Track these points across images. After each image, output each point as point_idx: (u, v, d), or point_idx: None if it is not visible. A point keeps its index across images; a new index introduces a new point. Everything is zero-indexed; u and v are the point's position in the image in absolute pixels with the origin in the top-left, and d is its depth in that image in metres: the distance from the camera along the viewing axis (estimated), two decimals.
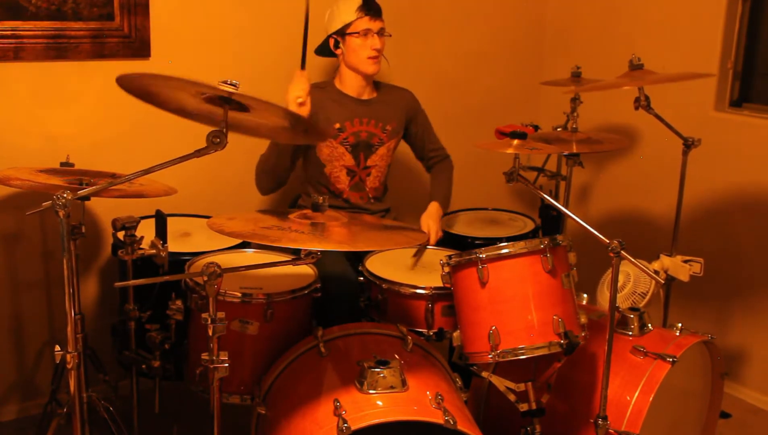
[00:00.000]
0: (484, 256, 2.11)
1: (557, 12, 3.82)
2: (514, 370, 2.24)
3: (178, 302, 2.26)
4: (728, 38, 3.19)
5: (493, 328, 2.09)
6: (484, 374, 2.20)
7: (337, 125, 2.83)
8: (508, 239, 2.69)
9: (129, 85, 1.86)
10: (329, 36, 2.81)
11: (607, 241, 1.98)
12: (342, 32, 2.77)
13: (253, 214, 2.29)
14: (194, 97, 1.82)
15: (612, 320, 2.02)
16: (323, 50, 2.88)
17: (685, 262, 2.81)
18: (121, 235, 2.33)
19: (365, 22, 2.74)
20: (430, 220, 2.87)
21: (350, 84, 2.85)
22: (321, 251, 1.97)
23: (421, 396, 1.95)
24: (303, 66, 2.63)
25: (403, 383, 1.96)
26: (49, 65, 2.74)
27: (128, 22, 2.83)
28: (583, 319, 2.17)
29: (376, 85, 2.94)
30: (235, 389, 2.27)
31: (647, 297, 2.78)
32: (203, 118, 1.91)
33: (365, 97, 2.89)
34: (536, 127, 3.29)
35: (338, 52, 2.82)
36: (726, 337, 3.26)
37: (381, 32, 2.78)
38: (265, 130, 2.14)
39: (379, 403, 1.92)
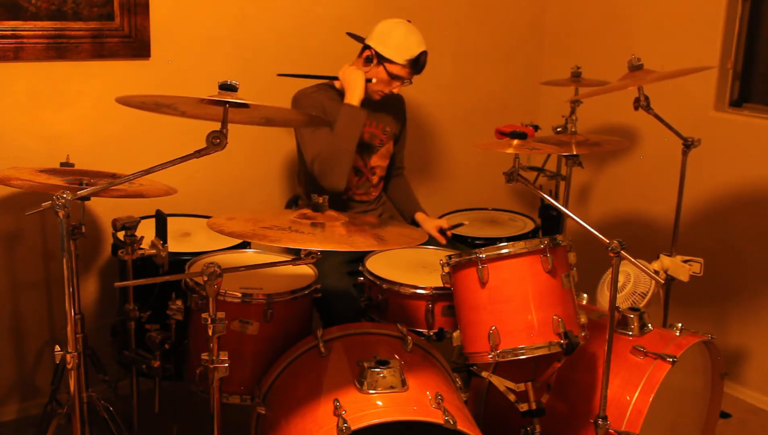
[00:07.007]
0: (484, 256, 2.11)
1: (557, 12, 3.81)
2: (514, 370, 2.24)
3: (178, 302, 2.26)
4: (728, 38, 3.19)
5: (493, 328, 2.09)
6: (484, 374, 2.20)
7: None
8: (508, 239, 2.69)
9: (130, 101, 1.88)
10: (369, 46, 2.77)
11: (607, 241, 1.98)
12: (381, 58, 2.74)
13: (253, 214, 2.29)
14: (195, 104, 1.83)
15: (612, 320, 2.02)
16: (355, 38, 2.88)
17: (685, 262, 2.81)
18: (121, 235, 2.33)
19: (404, 72, 2.75)
20: (433, 222, 2.96)
21: None
22: (321, 252, 1.97)
23: (421, 396, 1.95)
24: None
25: (403, 383, 1.96)
26: (49, 65, 2.74)
27: (128, 22, 2.83)
28: (583, 319, 2.16)
29: None
30: (235, 389, 2.26)
31: (647, 297, 2.78)
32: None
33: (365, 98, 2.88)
34: (536, 127, 3.29)
35: (365, 61, 2.79)
36: (726, 337, 3.26)
37: (406, 81, 2.79)
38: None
39: (379, 403, 1.92)
